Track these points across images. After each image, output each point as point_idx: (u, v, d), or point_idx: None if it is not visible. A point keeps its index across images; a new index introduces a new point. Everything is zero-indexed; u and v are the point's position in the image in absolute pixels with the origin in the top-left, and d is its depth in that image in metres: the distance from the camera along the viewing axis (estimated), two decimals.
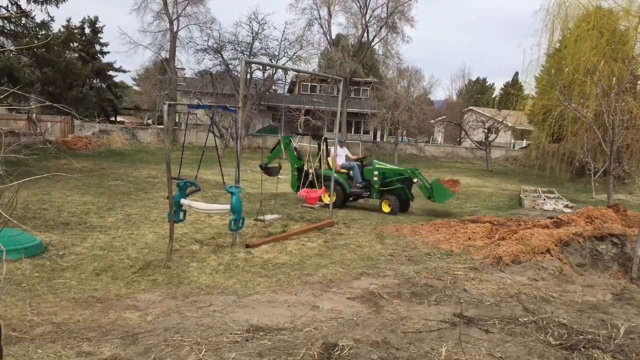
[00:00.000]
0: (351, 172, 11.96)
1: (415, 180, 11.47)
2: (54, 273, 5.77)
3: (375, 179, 11.75)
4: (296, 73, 36.96)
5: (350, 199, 12.09)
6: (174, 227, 6.67)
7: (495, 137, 32.09)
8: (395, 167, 12.43)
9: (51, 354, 3.49)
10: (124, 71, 37.38)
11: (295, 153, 12.08)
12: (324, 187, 10.68)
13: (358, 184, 11.85)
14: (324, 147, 11.64)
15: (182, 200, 8.19)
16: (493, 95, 53.52)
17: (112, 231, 7.93)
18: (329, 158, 11.92)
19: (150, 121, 39.25)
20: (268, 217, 8.50)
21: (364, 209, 11.80)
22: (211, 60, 33.00)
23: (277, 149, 12.06)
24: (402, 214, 11.51)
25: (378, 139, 41.09)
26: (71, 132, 26.58)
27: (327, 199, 11.29)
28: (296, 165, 12.16)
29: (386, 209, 11.39)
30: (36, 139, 21.08)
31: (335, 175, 11.29)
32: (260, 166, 10.50)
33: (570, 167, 21.82)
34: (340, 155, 12.13)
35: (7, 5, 18.01)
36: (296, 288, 5.49)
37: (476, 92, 52.24)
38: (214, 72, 30.66)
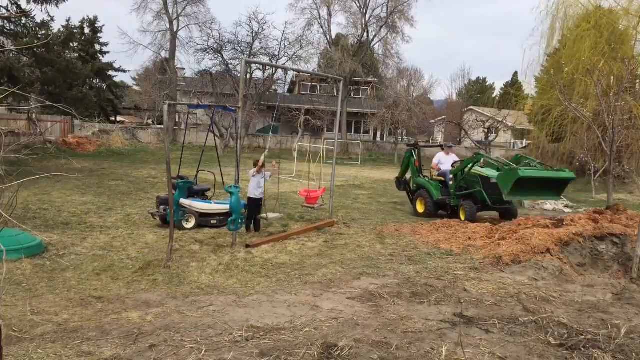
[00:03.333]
0: (447, 179, 11.00)
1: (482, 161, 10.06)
2: (54, 273, 5.77)
3: (451, 183, 10.66)
4: (296, 73, 36.94)
5: (442, 210, 10.94)
6: (174, 227, 6.68)
7: (495, 137, 32.08)
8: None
9: (51, 354, 3.49)
10: (124, 71, 37.39)
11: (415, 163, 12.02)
12: (323, 188, 10.66)
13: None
14: (418, 155, 11.73)
15: (182, 200, 8.21)
16: (493, 95, 53.46)
17: (112, 231, 7.93)
18: (433, 167, 11.54)
19: (150, 121, 39.23)
20: (271, 215, 8.52)
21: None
22: (211, 60, 33.01)
23: (406, 162, 12.35)
24: (407, 211, 11.59)
25: (378, 139, 41.09)
26: (71, 132, 26.57)
27: (420, 208, 11.20)
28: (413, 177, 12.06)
29: (463, 216, 10.13)
30: (36, 139, 21.08)
31: (423, 181, 11.34)
32: (403, 181, 12.06)
33: (571, 167, 21.80)
34: (443, 163, 11.35)
35: (7, 5, 18.01)
36: (296, 288, 5.49)
37: (476, 92, 52.20)
38: (214, 72, 30.66)
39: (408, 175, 12.43)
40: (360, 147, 30.08)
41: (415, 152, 12.14)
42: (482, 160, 10.20)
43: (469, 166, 10.21)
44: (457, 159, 11.63)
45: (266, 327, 4.10)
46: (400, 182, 12.54)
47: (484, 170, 10.10)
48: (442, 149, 11.93)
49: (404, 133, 38.57)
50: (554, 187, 9.66)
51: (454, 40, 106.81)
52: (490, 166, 10.06)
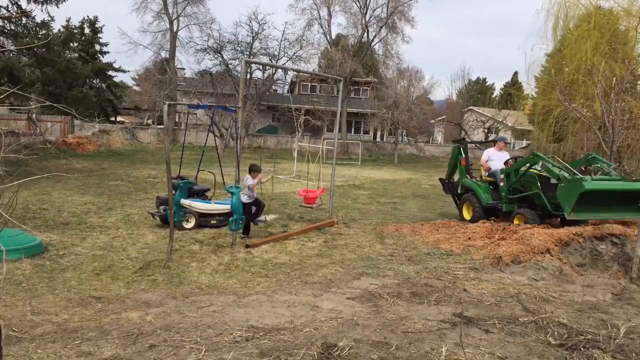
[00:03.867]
0: (497, 179, 9.53)
1: (540, 165, 8.69)
2: (54, 273, 5.77)
3: (502, 184, 9.20)
4: (296, 73, 36.96)
5: (492, 217, 9.34)
6: (174, 227, 6.68)
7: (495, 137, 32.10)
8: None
9: (51, 354, 3.49)
10: (124, 71, 37.43)
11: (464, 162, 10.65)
12: (322, 188, 10.66)
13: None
14: (464, 151, 10.46)
15: (183, 200, 8.20)
16: (493, 95, 53.49)
17: (112, 231, 7.93)
18: (481, 165, 10.10)
19: (150, 121, 39.23)
20: (270, 217, 8.52)
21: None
22: (211, 60, 33.09)
23: (454, 160, 10.91)
24: (407, 211, 11.54)
25: (378, 139, 41.10)
26: (71, 132, 26.58)
27: (466, 214, 9.86)
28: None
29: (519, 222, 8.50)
30: (36, 139, 21.07)
31: (470, 182, 9.99)
32: (448, 183, 10.82)
33: None
34: (494, 160, 9.84)
35: (8, 5, 18.02)
36: (296, 288, 5.49)
37: (476, 92, 52.20)
38: (214, 72, 30.66)
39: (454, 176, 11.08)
40: (360, 147, 30.09)
41: (462, 149, 10.66)
42: (540, 164, 8.77)
43: (524, 167, 8.78)
44: (508, 156, 9.98)
45: (266, 327, 4.10)
46: (446, 184, 11.06)
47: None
48: (494, 144, 10.36)
49: (404, 133, 38.58)
50: (629, 201, 7.73)
51: (454, 41, 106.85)
52: (550, 172, 8.27)
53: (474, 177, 10.38)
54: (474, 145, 12.20)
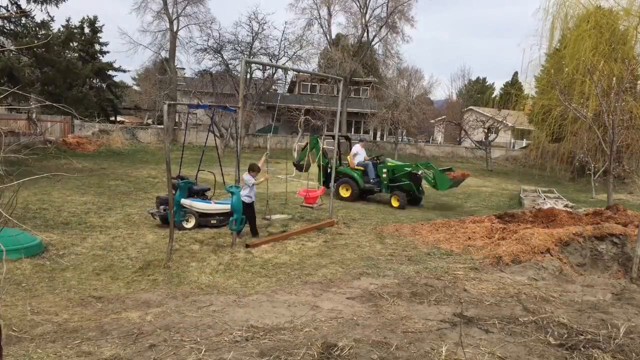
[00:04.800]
0: (367, 169, 13.00)
1: (420, 172, 12.21)
2: (53, 273, 5.77)
3: (385, 175, 12.74)
4: (296, 73, 36.94)
5: (366, 195, 13.15)
6: (174, 227, 6.68)
7: (495, 137, 32.08)
8: (403, 164, 13.29)
9: (51, 354, 3.49)
10: (124, 71, 37.40)
11: (322, 152, 12.57)
12: (323, 188, 10.68)
13: (372, 180, 12.93)
14: (348, 145, 13.01)
15: (183, 200, 8.20)
16: (493, 95, 53.51)
17: (112, 231, 7.93)
18: (349, 156, 13.32)
19: (150, 121, 39.22)
20: (275, 216, 8.52)
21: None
22: (211, 60, 33.00)
23: (308, 148, 12.94)
24: (407, 211, 11.74)
25: (378, 139, 41.08)
26: (71, 132, 26.56)
27: (344, 193, 12.87)
28: (322, 163, 12.55)
29: (395, 203, 12.29)
30: (36, 139, 21.06)
31: (350, 171, 12.94)
32: (294, 163, 12.41)
33: (571, 167, 21.83)
34: (359, 154, 13.35)
35: (7, 5, 18.01)
36: (296, 288, 5.49)
37: (476, 92, 52.23)
38: (214, 72, 30.64)
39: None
40: None
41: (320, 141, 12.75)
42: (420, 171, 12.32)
43: (408, 169, 12.63)
44: (365, 152, 13.74)
45: (266, 327, 4.10)
46: (299, 165, 12.95)
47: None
48: (359, 142, 14.11)
49: (404, 133, 38.57)
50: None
51: (455, 41, 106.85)
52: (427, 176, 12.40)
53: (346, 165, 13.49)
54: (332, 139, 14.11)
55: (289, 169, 12.58)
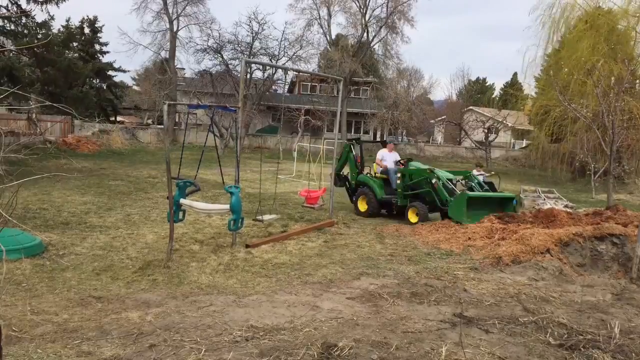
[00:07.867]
0: (389, 176, 10.75)
1: (433, 181, 9.85)
2: (54, 273, 5.77)
3: (398, 182, 10.34)
4: (296, 73, 36.97)
5: (385, 208, 10.86)
6: (174, 227, 6.67)
7: (495, 137, 32.14)
8: (423, 167, 10.68)
9: (51, 354, 3.49)
10: (124, 71, 37.37)
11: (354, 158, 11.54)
12: (324, 188, 10.66)
13: (395, 190, 10.54)
14: (360, 150, 11.32)
15: (182, 200, 8.20)
16: (493, 95, 53.50)
17: (112, 231, 7.93)
18: (375, 163, 11.31)
19: (150, 121, 39.23)
20: (266, 217, 8.50)
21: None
22: (211, 60, 33.00)
23: (345, 156, 11.73)
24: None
25: (378, 139, 41.07)
26: (71, 132, 26.56)
27: (362, 207, 10.82)
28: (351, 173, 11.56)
29: (413, 218, 9.85)
30: (36, 139, 21.06)
31: (368, 179, 10.95)
32: (337, 175, 10.91)
33: (571, 167, 21.84)
34: (386, 160, 11.06)
35: (7, 5, 18.02)
36: (296, 288, 5.49)
37: (476, 92, 52.20)
38: (214, 72, 30.66)
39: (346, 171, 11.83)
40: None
41: (354, 147, 11.62)
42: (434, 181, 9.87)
43: (420, 178, 10.21)
44: (398, 156, 11.31)
45: (266, 327, 4.10)
46: (342, 179, 11.74)
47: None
48: (384, 145, 11.78)
49: (404, 133, 38.59)
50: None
51: (454, 41, 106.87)
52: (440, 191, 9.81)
53: (369, 173, 11.37)
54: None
55: (289, 169, 12.58)
